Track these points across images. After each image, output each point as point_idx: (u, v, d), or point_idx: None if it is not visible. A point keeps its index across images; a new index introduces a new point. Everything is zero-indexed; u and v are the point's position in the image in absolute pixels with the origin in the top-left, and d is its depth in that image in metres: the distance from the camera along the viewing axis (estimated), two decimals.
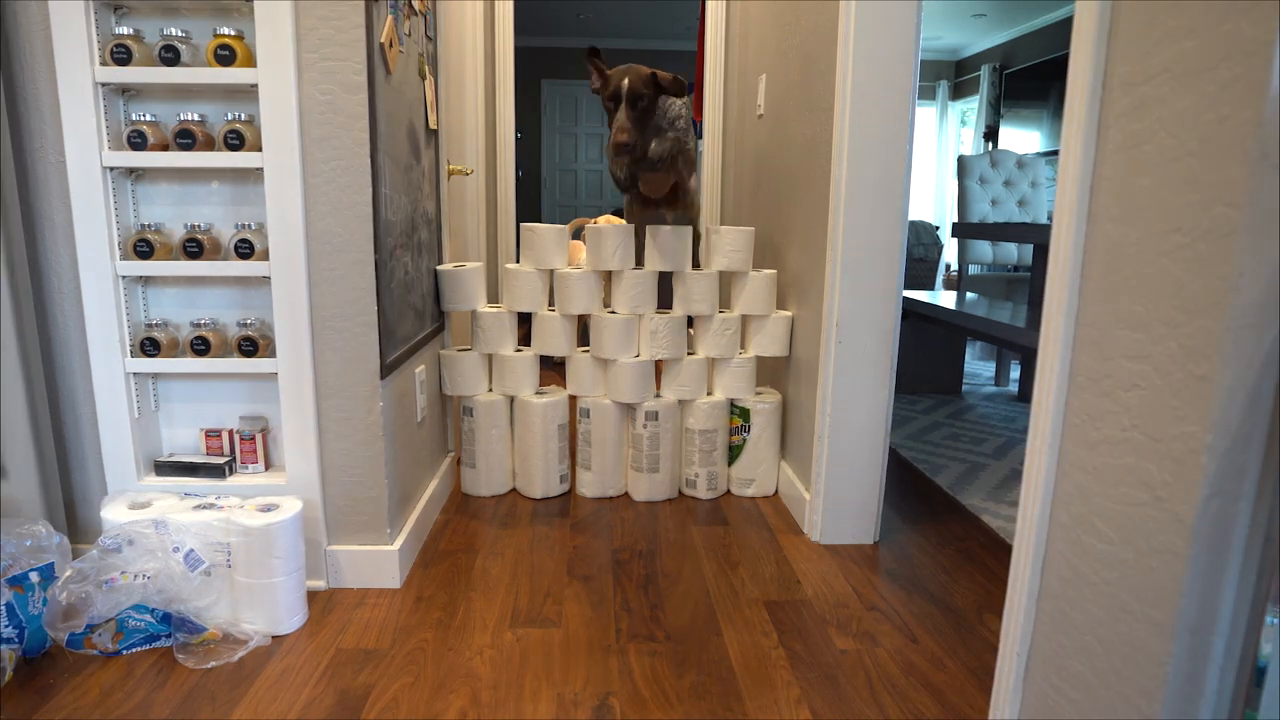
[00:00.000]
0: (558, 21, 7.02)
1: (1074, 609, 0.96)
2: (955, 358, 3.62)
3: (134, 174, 1.58)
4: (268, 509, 1.52)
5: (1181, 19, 0.79)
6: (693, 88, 3.75)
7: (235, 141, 1.51)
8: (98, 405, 1.58)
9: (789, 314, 2.27)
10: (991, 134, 6.41)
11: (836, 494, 1.97)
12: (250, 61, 1.50)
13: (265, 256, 1.57)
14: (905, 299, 3.34)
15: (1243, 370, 0.73)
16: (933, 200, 7.08)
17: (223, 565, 1.50)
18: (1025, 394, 3.59)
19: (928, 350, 3.59)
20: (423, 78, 1.99)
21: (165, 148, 1.52)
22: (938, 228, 4.67)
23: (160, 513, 1.50)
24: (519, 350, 2.26)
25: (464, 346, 2.27)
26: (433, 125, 2.12)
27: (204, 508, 1.53)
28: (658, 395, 2.26)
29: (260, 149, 1.52)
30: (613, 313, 2.19)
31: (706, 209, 3.60)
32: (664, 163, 2.16)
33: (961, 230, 3.22)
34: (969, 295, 3.53)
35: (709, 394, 2.29)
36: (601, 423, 2.22)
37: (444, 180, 2.28)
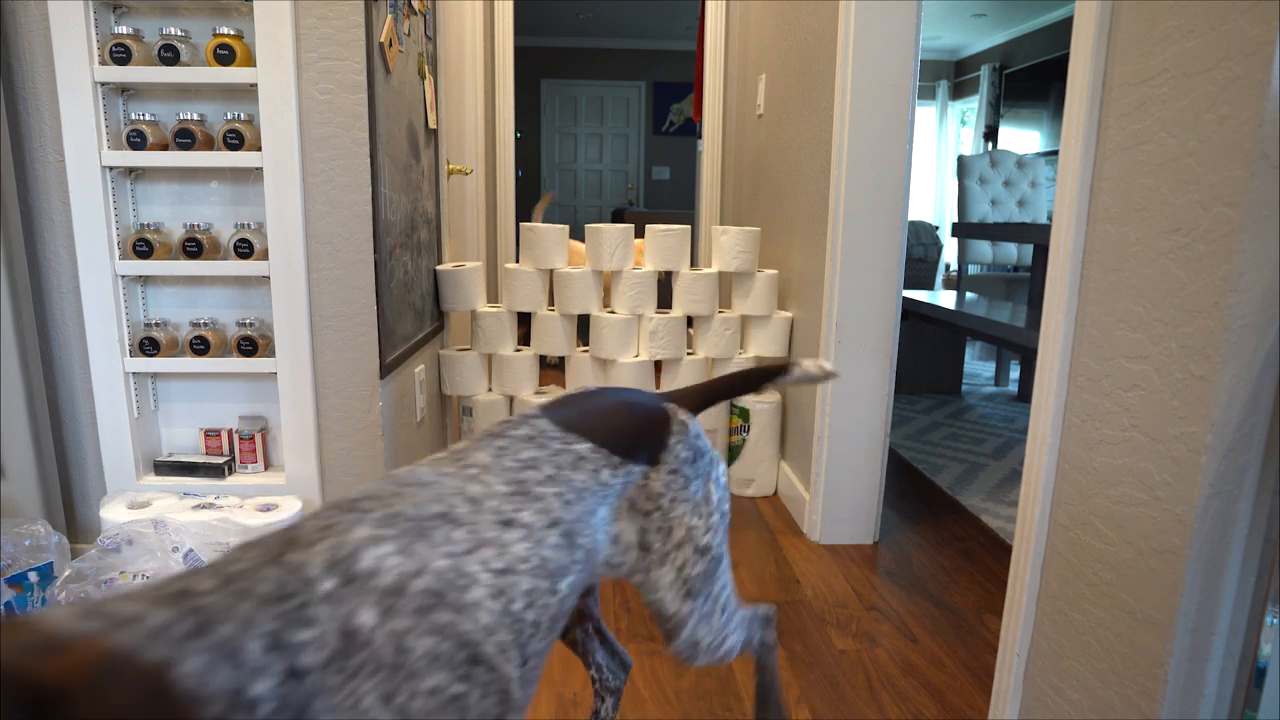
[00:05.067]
0: (558, 21, 7.02)
1: (1074, 609, 0.96)
2: (955, 358, 3.62)
3: (133, 173, 1.58)
4: (267, 509, 1.52)
5: (1181, 19, 0.79)
6: (693, 88, 3.75)
7: (235, 141, 1.51)
8: (97, 405, 1.58)
9: (789, 314, 2.27)
10: (991, 134, 6.41)
11: (836, 494, 1.97)
12: (250, 61, 1.50)
13: (264, 256, 1.57)
14: (905, 299, 3.34)
15: (1243, 370, 0.73)
16: (932, 200, 7.07)
17: None
18: (1025, 394, 3.59)
19: (927, 350, 3.59)
20: (422, 77, 1.99)
21: (165, 147, 1.52)
22: (937, 228, 4.67)
23: (159, 512, 1.50)
24: (518, 350, 2.26)
25: (463, 346, 2.27)
26: (432, 125, 2.12)
27: (203, 507, 1.53)
28: None
29: (259, 148, 1.51)
30: (612, 313, 2.19)
31: (706, 209, 3.60)
32: None
33: (961, 230, 3.22)
34: (969, 295, 3.53)
35: None
36: None
37: (443, 180, 2.28)
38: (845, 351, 1.90)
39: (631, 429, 0.85)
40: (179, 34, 1.49)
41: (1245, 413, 0.74)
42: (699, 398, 0.97)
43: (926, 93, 7.12)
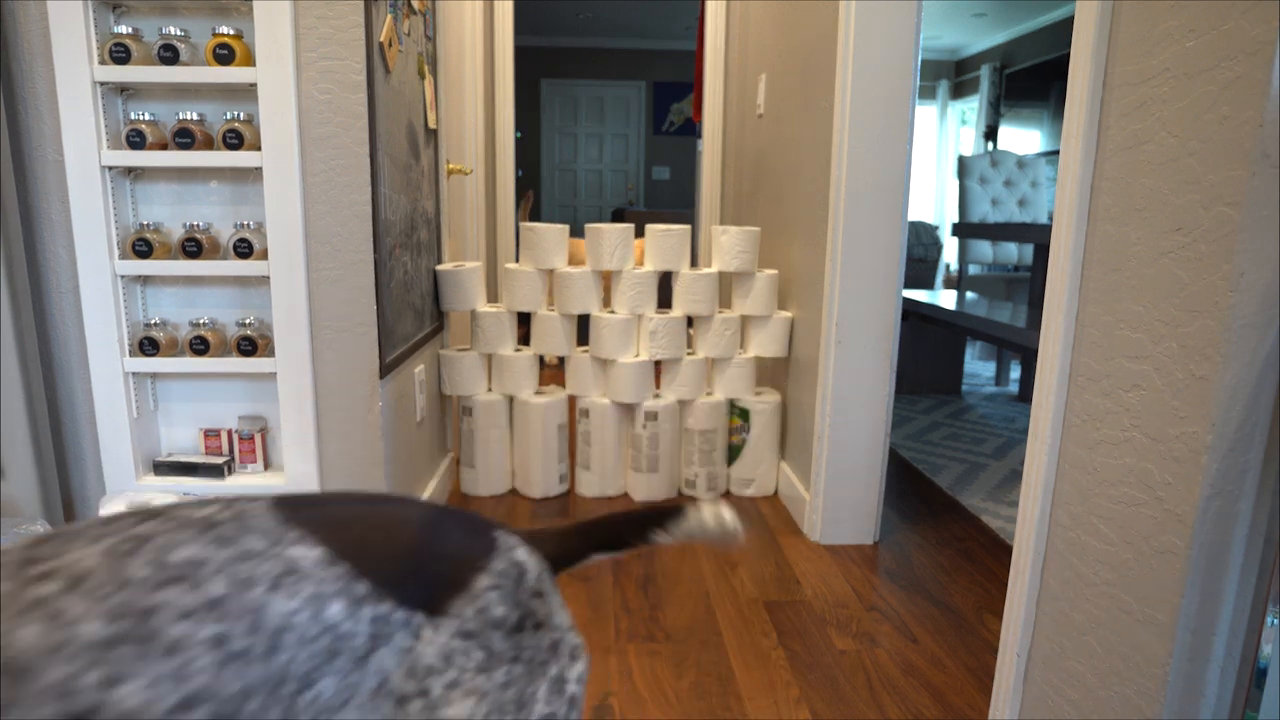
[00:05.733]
0: (558, 21, 7.02)
1: (1074, 609, 0.96)
2: (955, 358, 3.62)
3: (133, 173, 1.58)
4: None
5: (1182, 19, 0.79)
6: (693, 88, 3.75)
7: (234, 141, 1.51)
8: (96, 405, 1.58)
9: (789, 315, 2.27)
10: (992, 134, 6.41)
11: (836, 494, 1.97)
12: (249, 60, 1.50)
13: (264, 256, 1.56)
14: (905, 299, 3.34)
15: (1243, 370, 0.73)
16: (933, 200, 7.07)
17: None
18: (1025, 394, 3.59)
19: (928, 350, 3.59)
20: (422, 77, 1.98)
21: (164, 147, 1.52)
22: (937, 228, 4.67)
23: None
24: (518, 350, 2.26)
25: (463, 346, 2.27)
26: (432, 125, 2.12)
27: None
28: (657, 395, 2.26)
29: (259, 148, 1.51)
30: (612, 313, 2.19)
31: (706, 209, 3.60)
32: None
33: (962, 230, 3.22)
34: (969, 295, 3.52)
35: (708, 394, 2.28)
36: (601, 423, 2.22)
37: (443, 180, 2.28)
38: (845, 351, 1.90)
39: (409, 545, 0.51)
40: (178, 33, 1.49)
41: (1246, 413, 0.74)
42: (571, 541, 0.67)
43: (927, 93, 7.11)
